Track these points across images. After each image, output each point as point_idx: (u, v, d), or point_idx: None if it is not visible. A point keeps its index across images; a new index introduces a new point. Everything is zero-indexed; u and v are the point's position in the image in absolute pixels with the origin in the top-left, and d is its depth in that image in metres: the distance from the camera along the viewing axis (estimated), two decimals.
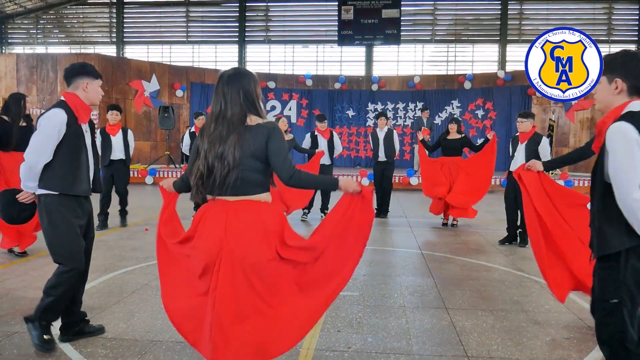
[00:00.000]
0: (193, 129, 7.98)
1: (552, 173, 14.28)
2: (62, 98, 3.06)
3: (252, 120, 2.25)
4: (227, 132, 2.20)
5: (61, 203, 2.95)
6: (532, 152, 6.04)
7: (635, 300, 2.06)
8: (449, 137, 7.63)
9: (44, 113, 3.01)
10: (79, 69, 3.06)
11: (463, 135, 7.68)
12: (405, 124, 17.40)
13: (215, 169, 2.19)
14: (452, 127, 7.63)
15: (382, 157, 8.29)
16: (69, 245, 2.96)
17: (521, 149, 6.19)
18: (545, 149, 6.09)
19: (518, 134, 6.31)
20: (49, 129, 2.92)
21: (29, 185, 3.00)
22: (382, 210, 8.36)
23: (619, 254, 2.07)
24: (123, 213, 7.25)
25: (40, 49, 20.48)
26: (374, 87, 17.97)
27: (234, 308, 2.19)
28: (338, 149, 8.22)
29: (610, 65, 2.18)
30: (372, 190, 2.41)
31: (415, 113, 17.46)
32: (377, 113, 10.41)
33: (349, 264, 2.40)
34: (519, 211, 6.11)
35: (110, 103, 15.17)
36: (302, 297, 2.33)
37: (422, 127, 12.38)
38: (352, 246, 2.40)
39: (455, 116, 12.50)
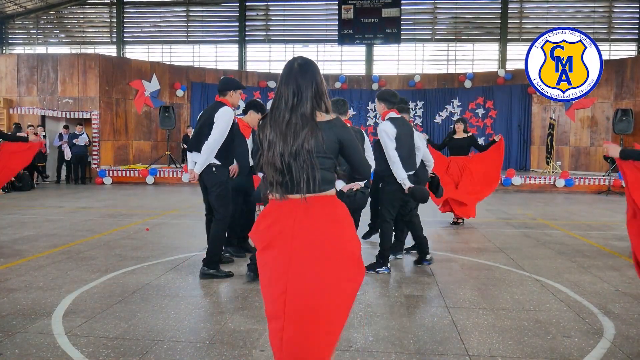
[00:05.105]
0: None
1: (552, 171, 14.28)
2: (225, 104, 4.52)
3: (321, 117, 2.17)
4: (301, 126, 2.12)
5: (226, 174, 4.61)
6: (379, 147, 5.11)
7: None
8: (455, 137, 7.73)
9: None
10: (230, 85, 4.56)
11: (470, 134, 7.77)
12: None
13: (293, 168, 2.11)
14: (459, 127, 7.72)
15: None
16: None
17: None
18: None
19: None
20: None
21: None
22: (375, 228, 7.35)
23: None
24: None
25: (40, 49, 20.50)
26: (375, 86, 17.97)
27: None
28: None
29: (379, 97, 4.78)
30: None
31: (416, 112, 17.47)
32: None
33: None
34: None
35: (110, 102, 15.34)
36: None
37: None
38: None
39: (462, 116, 12.52)
